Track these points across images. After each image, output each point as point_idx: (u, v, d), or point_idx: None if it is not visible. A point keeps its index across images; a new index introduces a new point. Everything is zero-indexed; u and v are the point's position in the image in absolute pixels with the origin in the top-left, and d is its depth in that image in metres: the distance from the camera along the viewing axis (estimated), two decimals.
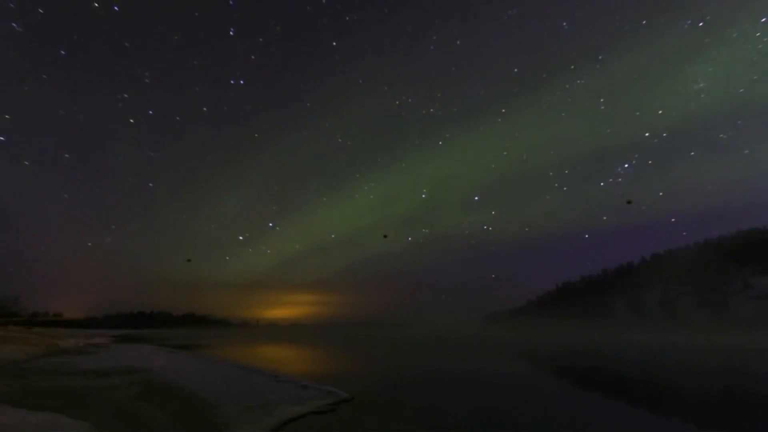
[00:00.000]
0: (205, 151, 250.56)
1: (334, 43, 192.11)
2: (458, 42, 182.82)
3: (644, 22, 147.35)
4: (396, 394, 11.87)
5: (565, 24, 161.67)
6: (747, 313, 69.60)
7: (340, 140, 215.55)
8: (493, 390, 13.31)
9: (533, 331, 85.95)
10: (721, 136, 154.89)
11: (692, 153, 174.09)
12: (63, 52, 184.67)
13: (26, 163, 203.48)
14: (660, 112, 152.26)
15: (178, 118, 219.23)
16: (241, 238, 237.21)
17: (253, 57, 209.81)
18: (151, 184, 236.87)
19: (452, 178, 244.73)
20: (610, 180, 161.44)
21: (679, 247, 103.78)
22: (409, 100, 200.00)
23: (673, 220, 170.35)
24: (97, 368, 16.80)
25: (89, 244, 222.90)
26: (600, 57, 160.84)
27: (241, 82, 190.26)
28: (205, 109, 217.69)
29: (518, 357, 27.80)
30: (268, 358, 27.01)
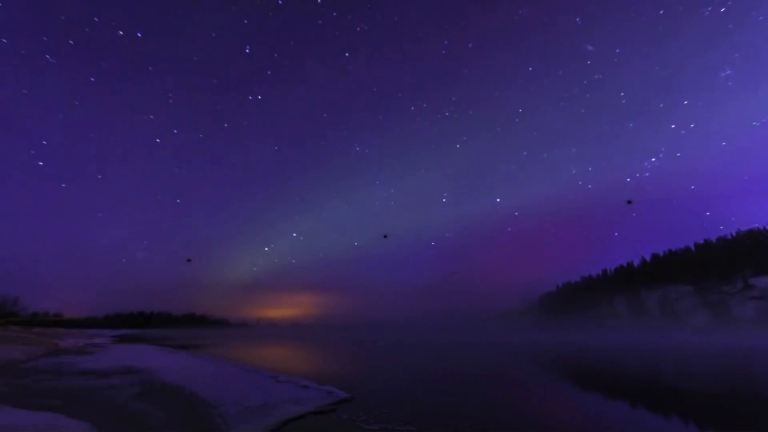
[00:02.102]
0: (228, 166, 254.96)
1: (347, 54, 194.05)
2: (470, 45, 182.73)
3: (661, 12, 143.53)
4: (396, 394, 11.87)
5: (578, 19, 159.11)
6: (747, 313, 69.61)
7: (357, 149, 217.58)
8: (493, 390, 13.32)
9: (533, 332, 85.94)
10: (754, 123, 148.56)
11: (724, 143, 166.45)
12: (92, 79, 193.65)
13: (63, 185, 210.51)
14: (685, 102, 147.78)
15: (201, 135, 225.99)
16: (266, 249, 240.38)
17: (269, 72, 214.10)
18: (178, 200, 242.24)
19: (472, 180, 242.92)
20: (637, 175, 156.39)
21: (680, 246, 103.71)
22: (424, 105, 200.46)
23: (708, 213, 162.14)
24: (97, 368, 16.81)
25: (123, 260, 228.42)
26: (617, 50, 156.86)
27: (259, 97, 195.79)
28: (225, 125, 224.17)
29: (518, 357, 27.80)
30: (267, 358, 27.03)
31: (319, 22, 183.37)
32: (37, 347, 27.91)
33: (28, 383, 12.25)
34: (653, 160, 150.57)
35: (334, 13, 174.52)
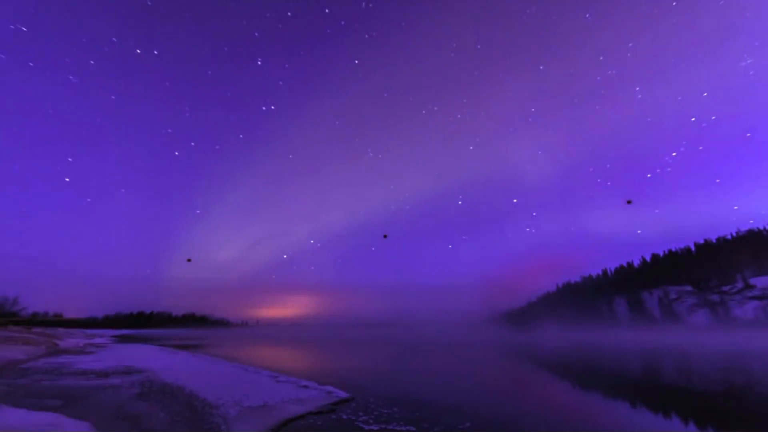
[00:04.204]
0: (245, 175, 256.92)
1: (356, 61, 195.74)
2: (479, 46, 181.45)
3: (674, 3, 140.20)
4: (397, 394, 11.87)
5: (588, 15, 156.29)
6: (747, 313, 69.64)
7: (371, 154, 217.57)
8: (493, 389, 13.32)
9: (534, 332, 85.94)
10: None
11: (748, 134, 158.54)
12: (113, 97, 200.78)
13: (88, 200, 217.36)
14: (705, 94, 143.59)
15: (217, 147, 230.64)
16: (285, 256, 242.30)
17: (280, 83, 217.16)
18: (198, 211, 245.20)
19: (487, 182, 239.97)
20: (658, 170, 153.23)
21: (679, 247, 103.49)
22: (435, 109, 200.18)
23: (735, 207, 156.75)
24: (97, 368, 16.81)
25: (148, 271, 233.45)
26: (630, 44, 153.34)
27: (272, 107, 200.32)
28: (241, 136, 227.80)
29: (516, 358, 27.80)
30: (267, 358, 27.02)
31: (328, 31, 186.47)
32: (37, 347, 27.90)
33: (28, 383, 12.24)
34: (674, 154, 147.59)
35: (343, 22, 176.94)
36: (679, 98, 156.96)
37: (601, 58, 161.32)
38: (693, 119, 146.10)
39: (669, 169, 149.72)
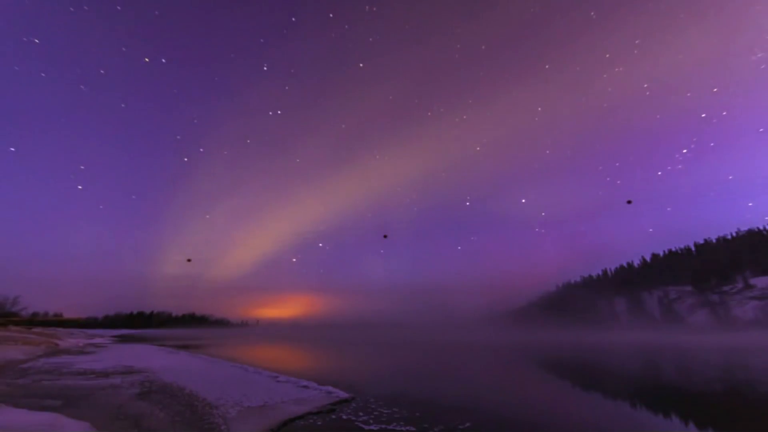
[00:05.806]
0: (254, 180, 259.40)
1: (361, 65, 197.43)
2: (483, 47, 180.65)
3: None
4: (396, 394, 11.87)
5: (593, 14, 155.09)
6: (747, 313, 69.65)
7: (377, 157, 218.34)
8: (493, 389, 13.32)
9: (534, 332, 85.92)
10: None
11: (761, 129, 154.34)
12: (123, 105, 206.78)
13: (101, 207, 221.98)
14: (715, 90, 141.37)
15: (225, 152, 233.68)
16: (294, 260, 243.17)
17: (287, 88, 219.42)
18: (208, 216, 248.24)
19: (495, 182, 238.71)
20: (669, 168, 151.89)
21: (680, 247, 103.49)
22: (441, 110, 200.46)
23: (750, 204, 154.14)
24: (97, 368, 16.81)
25: (148, 271, 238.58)
26: (637, 42, 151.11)
27: (279, 112, 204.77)
28: (248, 141, 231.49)
29: (516, 357, 27.79)
30: (267, 358, 27.01)
31: (333, 35, 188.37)
32: (37, 347, 27.91)
33: (28, 383, 12.24)
34: (684, 151, 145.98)
35: (346, 27, 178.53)
36: (689, 94, 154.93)
37: (608, 55, 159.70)
38: (703, 115, 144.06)
39: (680, 167, 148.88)
